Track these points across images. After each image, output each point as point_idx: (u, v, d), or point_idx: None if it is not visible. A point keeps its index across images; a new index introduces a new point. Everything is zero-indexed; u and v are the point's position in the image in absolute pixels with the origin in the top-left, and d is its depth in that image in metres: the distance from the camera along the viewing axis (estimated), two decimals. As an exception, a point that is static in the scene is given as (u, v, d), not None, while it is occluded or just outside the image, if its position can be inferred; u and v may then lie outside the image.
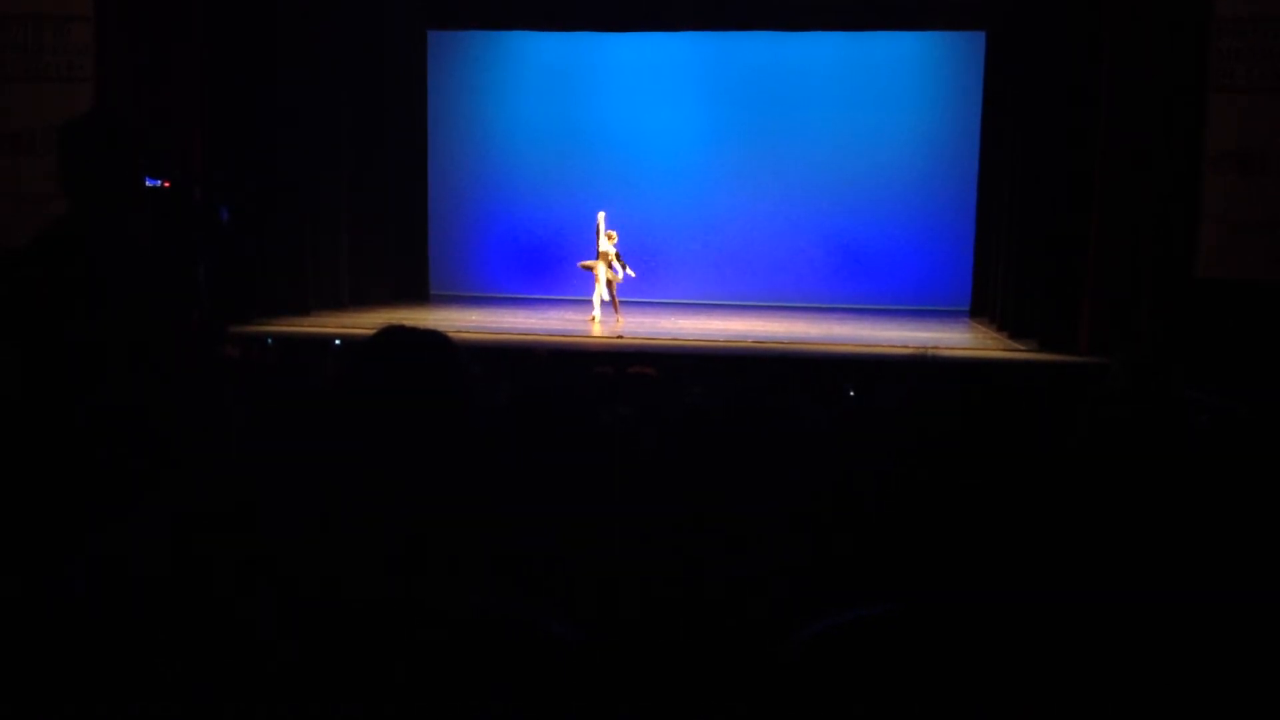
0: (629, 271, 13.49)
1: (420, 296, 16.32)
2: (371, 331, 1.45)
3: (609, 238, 13.33)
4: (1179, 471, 2.75)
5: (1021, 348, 11.81)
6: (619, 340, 11.71)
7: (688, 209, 16.74)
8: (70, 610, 1.39)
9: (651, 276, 16.77)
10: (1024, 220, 12.60)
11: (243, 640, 1.28)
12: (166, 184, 6.11)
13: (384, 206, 15.73)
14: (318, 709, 1.23)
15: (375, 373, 1.38)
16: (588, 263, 13.54)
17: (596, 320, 13.02)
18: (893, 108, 16.17)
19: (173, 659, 1.29)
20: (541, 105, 17.00)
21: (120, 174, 2.60)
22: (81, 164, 2.56)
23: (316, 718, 1.23)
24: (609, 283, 13.35)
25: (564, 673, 1.28)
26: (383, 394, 1.35)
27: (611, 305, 13.40)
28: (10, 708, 1.30)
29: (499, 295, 16.68)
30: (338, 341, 10.33)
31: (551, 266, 16.86)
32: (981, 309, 14.85)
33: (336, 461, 1.34)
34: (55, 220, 2.58)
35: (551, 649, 1.29)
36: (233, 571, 1.46)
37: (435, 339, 1.42)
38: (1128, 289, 10.57)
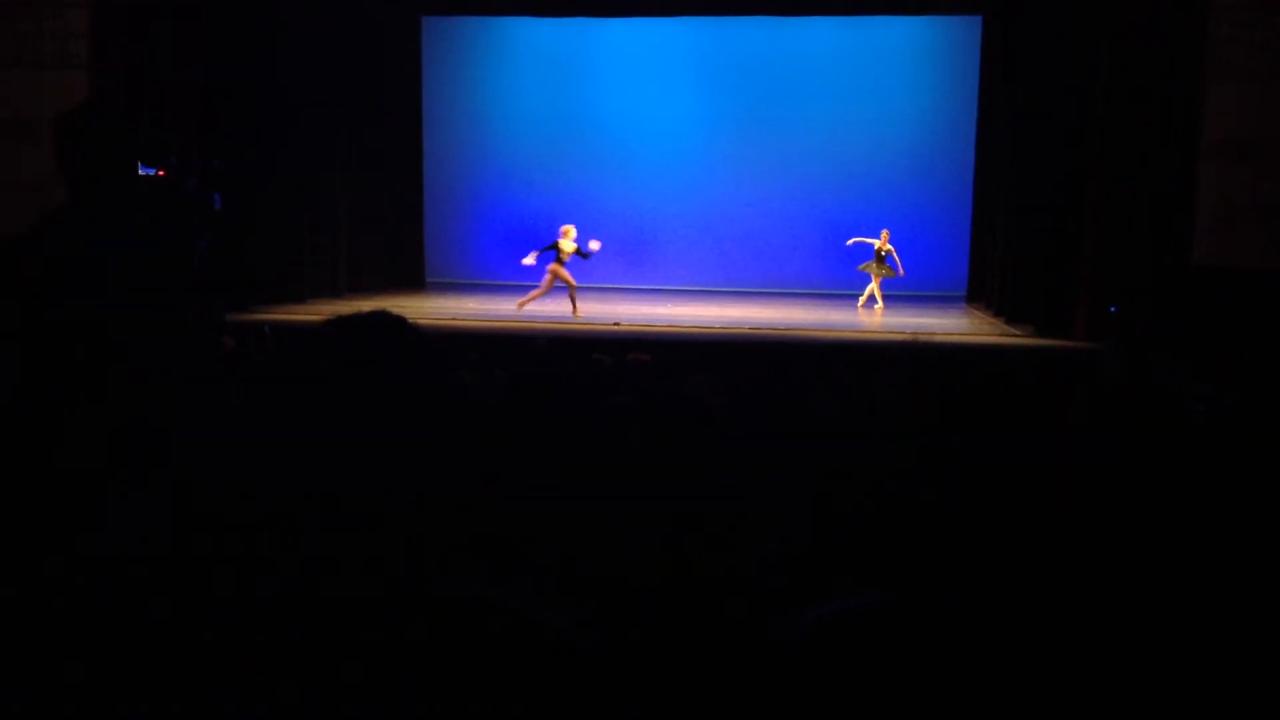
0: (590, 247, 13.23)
1: (416, 284, 16.29)
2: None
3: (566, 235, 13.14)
4: (1174, 459, 2.76)
5: (1018, 333, 11.83)
6: (616, 328, 11.71)
7: (684, 195, 16.72)
8: (68, 607, 1.39)
9: (648, 263, 16.76)
10: (1021, 206, 12.60)
11: (239, 635, 1.28)
12: (161, 173, 6.09)
13: (380, 194, 15.70)
14: (314, 705, 1.24)
15: (323, 361, 1.35)
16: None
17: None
18: (889, 93, 16.14)
19: (169, 654, 1.30)
20: (537, 92, 16.95)
21: (115, 163, 2.59)
22: (76, 153, 2.56)
23: (313, 714, 1.23)
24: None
25: (562, 669, 1.29)
26: (334, 382, 1.33)
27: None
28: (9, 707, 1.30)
29: (495, 282, 16.65)
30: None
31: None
32: (978, 295, 14.86)
33: (320, 452, 1.34)
34: (53, 209, 2.58)
35: (551, 645, 1.29)
36: (229, 565, 1.46)
37: (388, 321, 1.38)
38: (1124, 276, 10.58)
